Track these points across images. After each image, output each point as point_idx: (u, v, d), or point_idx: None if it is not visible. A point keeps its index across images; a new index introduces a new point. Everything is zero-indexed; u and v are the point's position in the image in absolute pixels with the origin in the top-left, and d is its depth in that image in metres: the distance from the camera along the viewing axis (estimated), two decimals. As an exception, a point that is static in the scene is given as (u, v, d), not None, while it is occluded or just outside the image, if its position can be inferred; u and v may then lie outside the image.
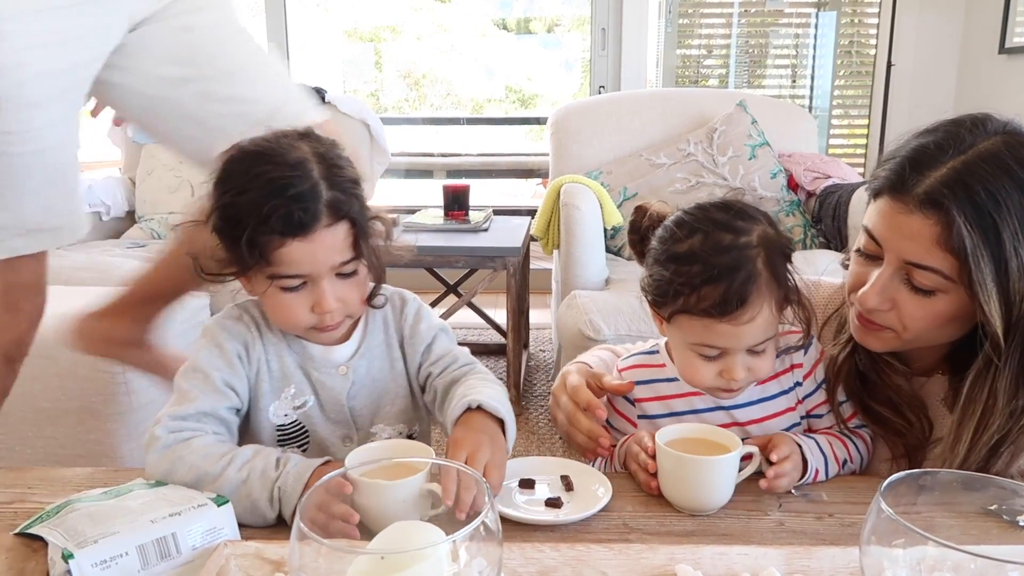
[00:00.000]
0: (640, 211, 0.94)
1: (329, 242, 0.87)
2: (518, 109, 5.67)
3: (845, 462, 0.94)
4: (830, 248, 2.60)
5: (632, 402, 0.98)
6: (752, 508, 0.86)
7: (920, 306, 0.86)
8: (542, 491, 0.88)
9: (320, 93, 3.02)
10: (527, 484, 0.89)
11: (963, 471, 0.73)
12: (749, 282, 0.83)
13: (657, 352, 0.98)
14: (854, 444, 0.96)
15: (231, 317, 0.96)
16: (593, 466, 0.96)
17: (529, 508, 0.84)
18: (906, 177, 0.84)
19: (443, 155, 4.31)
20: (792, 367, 0.96)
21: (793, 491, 0.89)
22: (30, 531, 0.72)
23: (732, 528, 0.82)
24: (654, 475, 0.86)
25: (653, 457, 0.86)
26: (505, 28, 5.51)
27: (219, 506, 0.75)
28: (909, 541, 0.57)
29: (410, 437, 1.00)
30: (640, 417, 0.97)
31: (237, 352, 0.93)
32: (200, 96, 1.23)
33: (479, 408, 0.87)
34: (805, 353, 0.96)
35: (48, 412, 1.73)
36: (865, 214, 0.91)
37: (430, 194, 3.48)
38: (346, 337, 0.98)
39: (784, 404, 0.95)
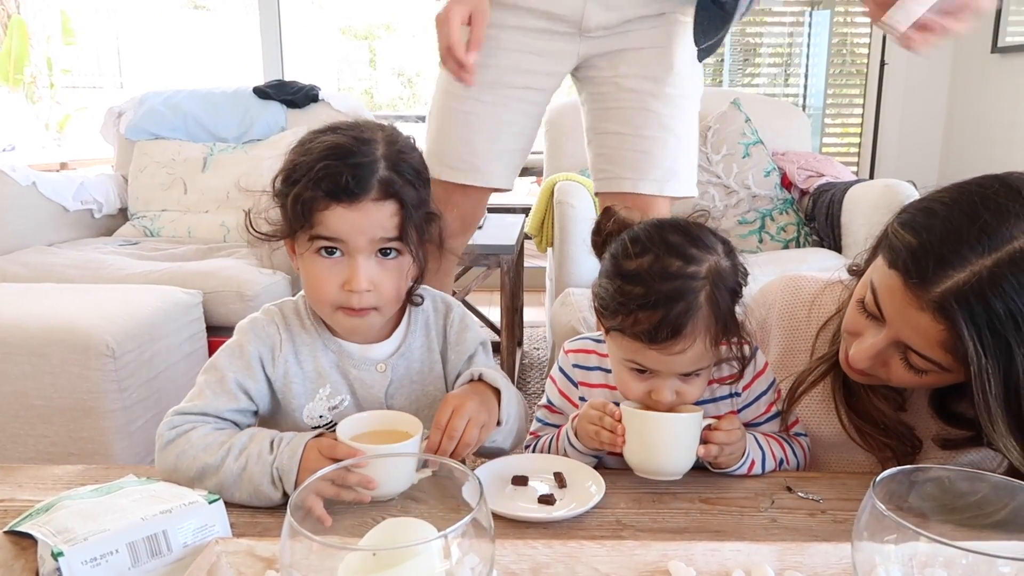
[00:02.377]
0: (607, 214, 0.93)
1: (374, 216, 0.86)
2: (512, 107, 5.64)
3: (782, 461, 0.96)
4: (823, 246, 2.60)
5: (576, 384, 1.00)
6: (745, 504, 0.86)
7: (910, 375, 0.84)
8: (535, 488, 0.88)
9: (314, 91, 3.02)
10: (520, 481, 0.89)
11: (955, 467, 0.74)
12: (686, 314, 0.81)
13: (604, 341, 0.99)
14: (791, 448, 0.97)
15: (263, 317, 0.97)
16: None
17: (522, 505, 0.84)
18: (926, 270, 0.76)
19: (437, 153, 4.29)
20: (731, 377, 0.94)
21: (792, 490, 0.89)
22: (19, 529, 0.71)
23: (725, 524, 0.83)
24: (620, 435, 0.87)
25: (619, 420, 0.87)
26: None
27: (210, 503, 0.74)
28: (901, 537, 0.57)
29: None
30: (581, 399, 0.99)
31: (259, 355, 0.94)
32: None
33: (480, 379, 0.92)
34: (747, 367, 0.94)
35: (39, 410, 1.72)
36: (875, 267, 0.84)
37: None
38: (386, 335, 0.98)
39: (713, 411, 0.94)
